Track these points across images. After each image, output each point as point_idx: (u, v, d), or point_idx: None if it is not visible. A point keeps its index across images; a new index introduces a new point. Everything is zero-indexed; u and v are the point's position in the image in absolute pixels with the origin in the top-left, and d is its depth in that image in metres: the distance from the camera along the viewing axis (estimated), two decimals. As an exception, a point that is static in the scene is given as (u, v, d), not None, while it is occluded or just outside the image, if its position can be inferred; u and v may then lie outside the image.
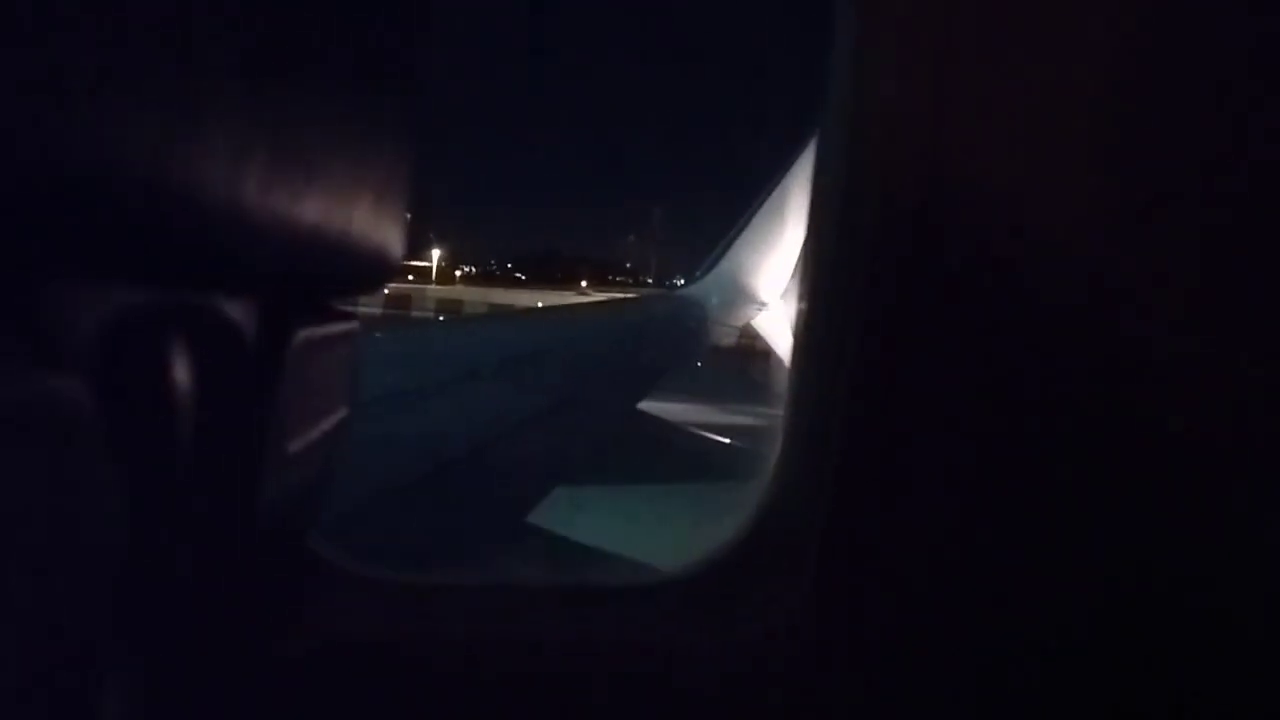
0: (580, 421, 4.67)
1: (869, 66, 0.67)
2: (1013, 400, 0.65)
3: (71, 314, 0.40)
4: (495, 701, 0.70)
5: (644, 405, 6.46)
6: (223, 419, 0.50)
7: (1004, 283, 0.64)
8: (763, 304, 11.64)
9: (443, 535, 2.73)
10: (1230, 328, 0.63)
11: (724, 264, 11.75)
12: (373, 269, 0.59)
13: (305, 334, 0.55)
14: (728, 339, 11.42)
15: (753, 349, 12.20)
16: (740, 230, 11.74)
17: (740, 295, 11.44)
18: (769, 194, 11.34)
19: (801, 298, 0.80)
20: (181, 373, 0.47)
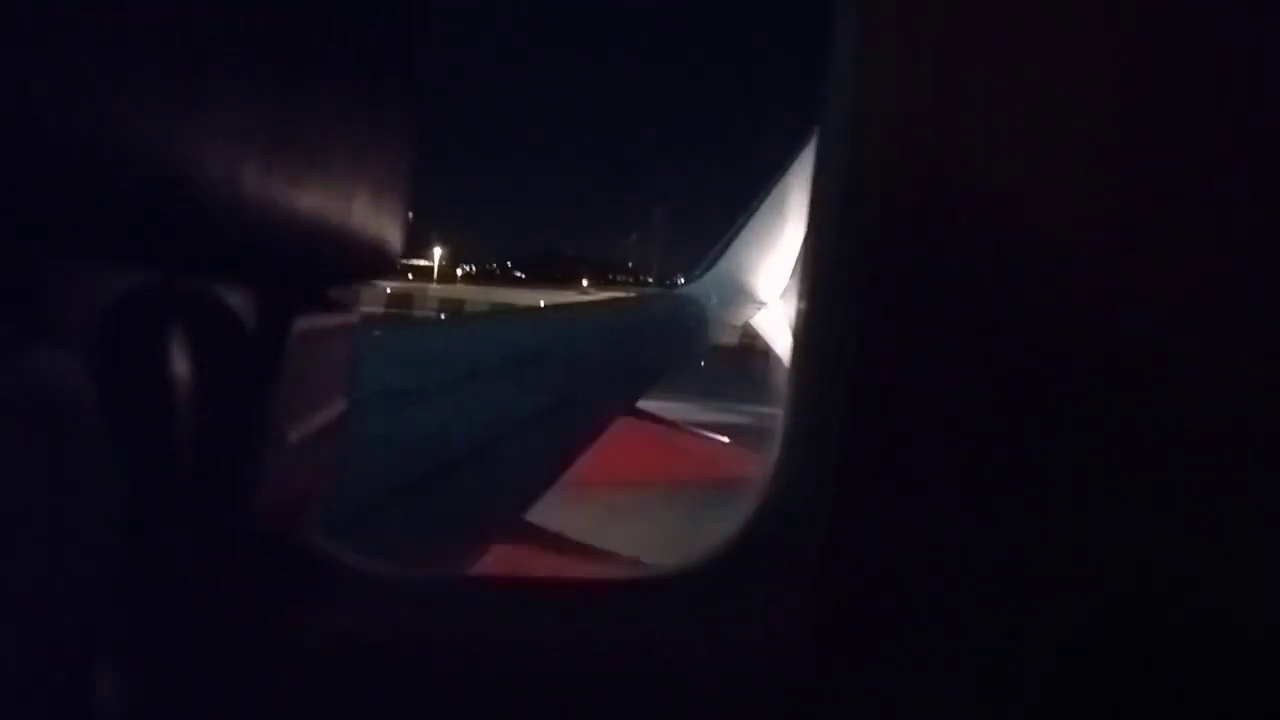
0: (580, 420, 4.68)
1: (869, 66, 0.67)
2: (1013, 400, 0.65)
3: (69, 295, 0.39)
4: (494, 696, 0.70)
5: (643, 405, 6.47)
6: (220, 405, 0.50)
7: (1004, 282, 0.64)
8: (762, 303, 11.65)
9: (444, 533, 2.74)
10: (1231, 328, 0.63)
11: (723, 263, 11.76)
12: (371, 259, 0.59)
13: (303, 323, 0.55)
14: (727, 338, 11.43)
15: (752, 348, 12.21)
16: (739, 229, 11.75)
17: (739, 294, 11.45)
18: (768, 193, 11.35)
19: (801, 296, 0.79)
20: (178, 357, 0.47)
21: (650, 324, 9.28)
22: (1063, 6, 0.63)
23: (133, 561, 0.43)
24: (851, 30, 0.68)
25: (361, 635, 0.71)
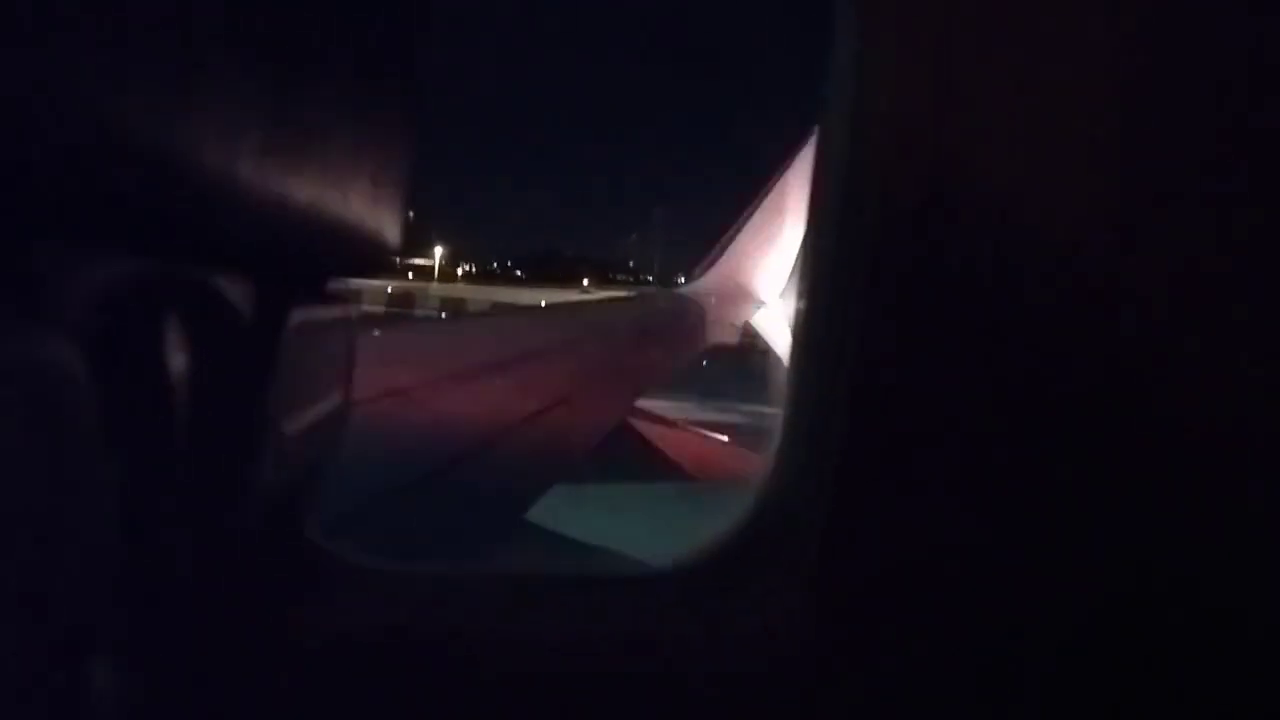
0: (579, 419, 4.67)
1: (869, 66, 0.66)
2: (1012, 398, 0.65)
3: (66, 281, 0.39)
4: (492, 691, 0.70)
5: (641, 403, 6.47)
6: (213, 398, 0.50)
7: (1004, 282, 0.64)
8: (761, 302, 11.64)
9: (444, 531, 2.73)
10: (1231, 327, 0.63)
11: (723, 262, 11.75)
12: (368, 252, 0.59)
13: (300, 315, 0.55)
14: (726, 337, 11.41)
15: (752, 347, 12.20)
16: (739, 228, 11.74)
17: (739, 293, 11.44)
18: (768, 192, 11.34)
19: (800, 295, 0.79)
20: (172, 348, 0.47)
21: (649, 323, 9.27)
22: (1062, 7, 0.63)
23: (129, 556, 0.43)
24: (852, 30, 0.67)
25: (360, 631, 0.70)
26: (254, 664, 0.68)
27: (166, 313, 0.47)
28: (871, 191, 0.66)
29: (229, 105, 0.38)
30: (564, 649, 0.71)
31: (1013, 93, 0.63)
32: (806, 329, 0.77)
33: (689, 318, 9.94)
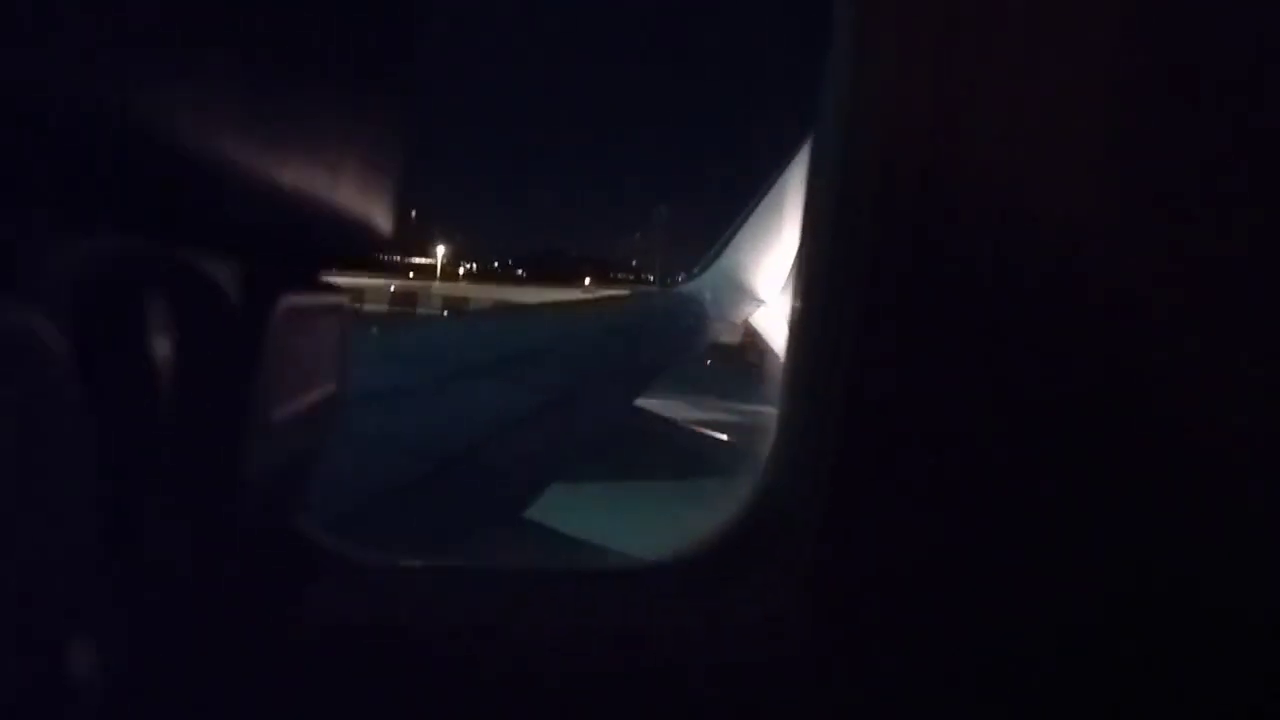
0: (578, 419, 4.68)
1: (866, 64, 0.66)
2: (1009, 398, 0.65)
3: (46, 259, 0.38)
4: (489, 686, 0.69)
5: (641, 402, 6.46)
6: (200, 377, 0.49)
7: (999, 282, 0.64)
8: (761, 301, 11.59)
9: (442, 529, 2.75)
10: (1232, 327, 0.62)
11: (723, 261, 11.71)
12: (360, 239, 0.58)
13: (290, 301, 0.54)
14: (726, 336, 11.39)
15: (752, 346, 12.17)
16: (739, 227, 11.69)
17: (739, 292, 11.40)
18: (768, 190, 11.30)
19: (797, 295, 0.79)
20: (158, 326, 0.46)
21: (649, 323, 9.25)
22: (1061, 7, 0.62)
23: (113, 545, 0.43)
24: (850, 29, 0.67)
25: (355, 625, 0.70)
26: (243, 656, 0.67)
27: (150, 293, 0.46)
28: (867, 191, 0.66)
29: (211, 85, 0.37)
30: (559, 643, 0.71)
31: (1010, 93, 0.63)
32: (802, 327, 0.77)
33: (687, 317, 9.90)
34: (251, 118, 0.41)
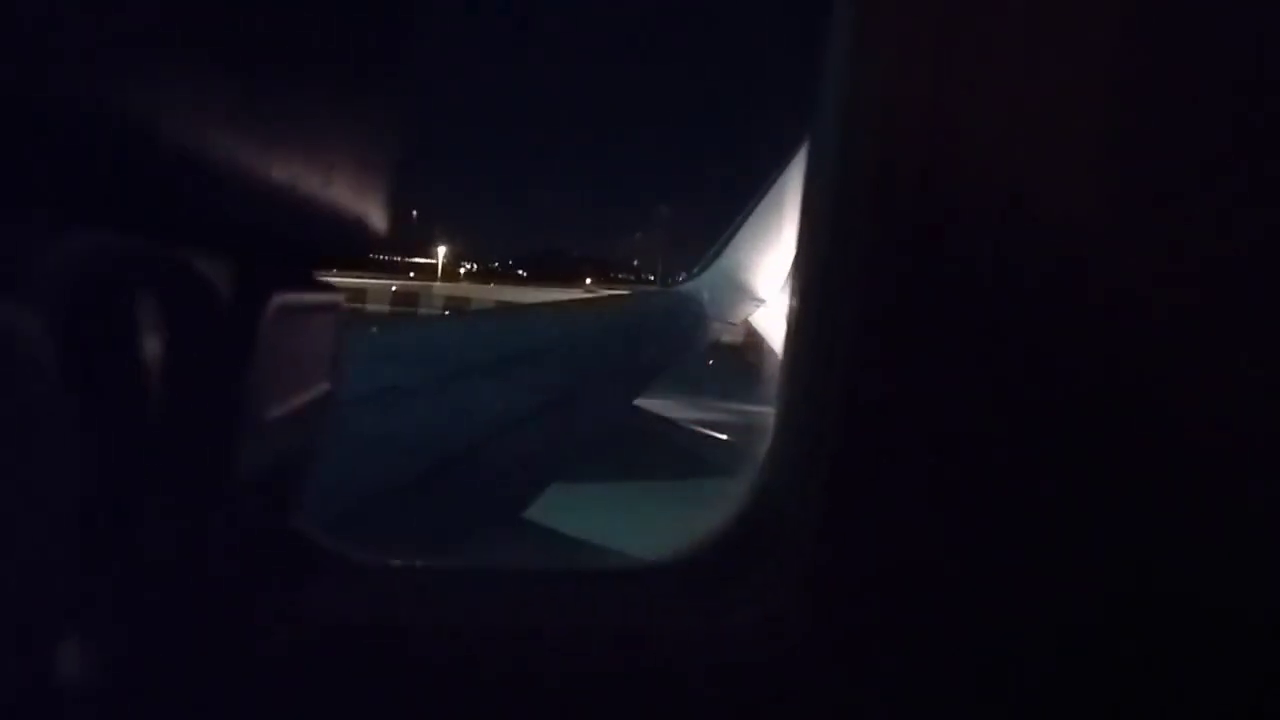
0: (577, 418, 4.68)
1: (863, 63, 0.66)
2: (1007, 398, 0.65)
3: (32, 256, 0.38)
4: (485, 685, 0.69)
5: (640, 402, 6.47)
6: (190, 375, 0.49)
7: (999, 281, 0.64)
8: (761, 300, 11.60)
9: (442, 529, 2.76)
10: (1233, 328, 0.62)
11: (723, 260, 11.71)
12: (353, 238, 0.58)
13: (282, 299, 0.54)
14: (725, 336, 11.39)
15: (752, 346, 12.18)
16: (739, 226, 11.69)
17: (739, 291, 11.40)
18: (768, 190, 11.30)
19: (794, 294, 0.79)
20: (148, 324, 0.46)
21: (648, 321, 9.26)
22: (1059, 7, 0.62)
23: (104, 544, 0.43)
24: (847, 27, 0.67)
25: (353, 625, 0.70)
26: (240, 657, 0.67)
27: (142, 292, 0.46)
28: (864, 190, 0.66)
29: (203, 83, 0.37)
30: (557, 644, 0.71)
31: (1007, 93, 0.63)
32: (799, 327, 0.76)
33: (686, 317, 9.91)
34: (245, 116, 0.41)
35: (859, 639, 0.69)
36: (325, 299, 0.64)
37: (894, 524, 0.67)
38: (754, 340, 12.23)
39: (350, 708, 0.69)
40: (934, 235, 0.64)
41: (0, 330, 0.33)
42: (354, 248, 0.61)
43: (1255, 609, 0.65)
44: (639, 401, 6.41)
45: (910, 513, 0.67)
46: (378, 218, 0.59)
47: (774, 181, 11.19)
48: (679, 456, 7.53)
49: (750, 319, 11.77)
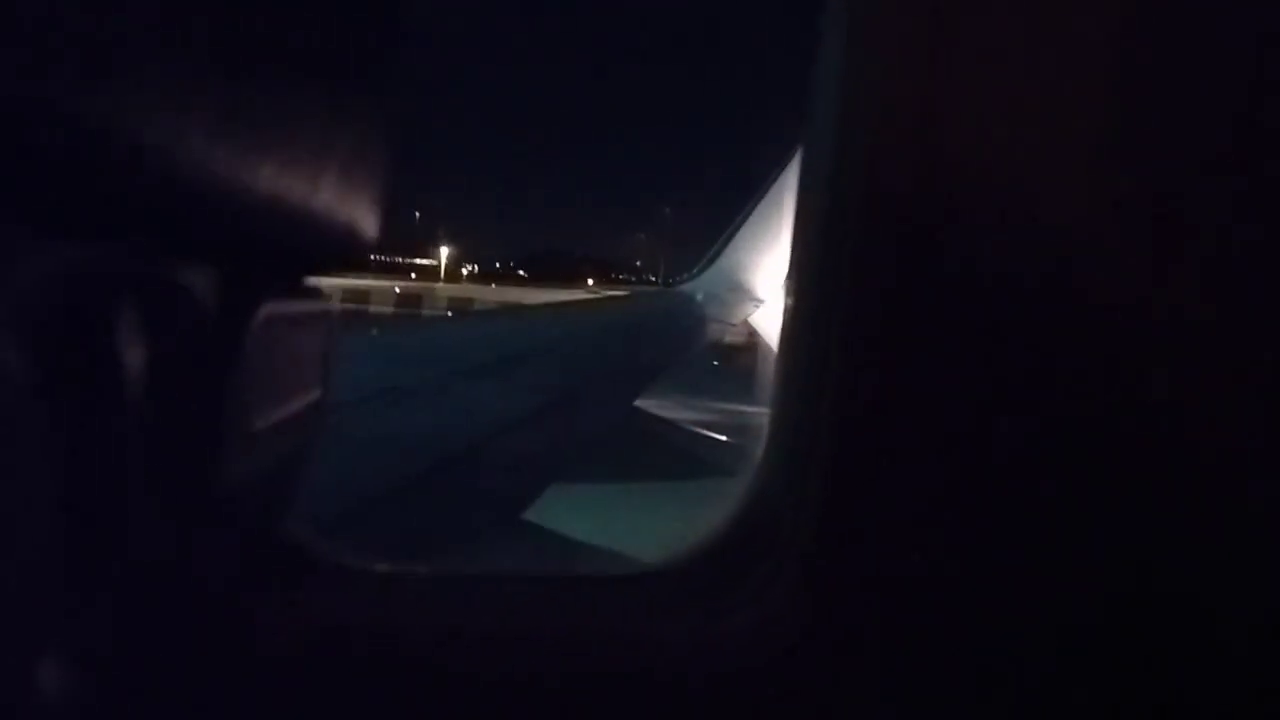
0: (574, 420, 4.69)
1: (857, 63, 0.66)
2: (1003, 398, 0.65)
3: (14, 267, 0.37)
4: (480, 691, 0.69)
5: (640, 403, 6.47)
6: (174, 389, 0.48)
7: (993, 282, 0.64)
8: (760, 300, 11.59)
9: (441, 530, 2.76)
10: (1232, 328, 0.62)
11: (722, 260, 11.71)
12: (342, 245, 0.57)
13: (270, 309, 0.54)
14: (724, 336, 11.39)
15: (751, 346, 12.18)
16: (739, 227, 11.69)
17: (738, 292, 11.40)
18: (767, 190, 11.30)
19: (789, 295, 0.79)
20: (128, 338, 0.45)
21: (648, 321, 9.26)
22: (1055, 9, 0.62)
23: (90, 558, 0.42)
24: (841, 27, 0.67)
25: (349, 632, 0.70)
26: (231, 664, 0.66)
27: (122, 303, 0.45)
28: (857, 191, 0.66)
29: (178, 88, 0.36)
30: (554, 649, 0.71)
31: (1001, 95, 0.63)
32: (794, 328, 0.77)
33: (685, 317, 9.91)
34: (229, 122, 0.40)
35: (857, 640, 0.69)
36: (315, 307, 0.64)
37: (891, 525, 0.67)
38: (755, 340, 12.22)
39: (345, 714, 0.69)
40: (928, 236, 0.64)
41: None
42: (344, 255, 0.60)
43: (1255, 609, 0.65)
44: (639, 402, 6.41)
45: (907, 514, 0.67)
46: (369, 224, 0.58)
47: (773, 182, 11.19)
48: (678, 457, 7.52)
49: (751, 319, 11.76)
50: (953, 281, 0.64)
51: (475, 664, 0.70)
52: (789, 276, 0.81)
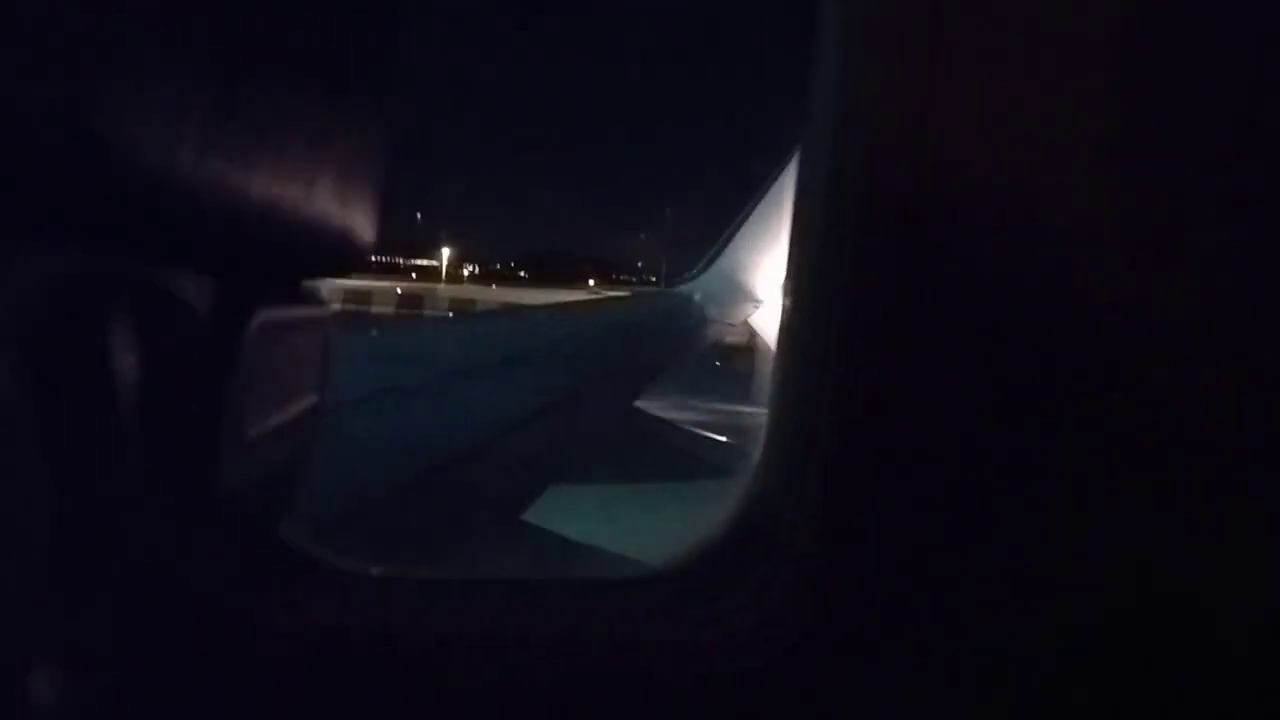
0: (577, 419, 4.69)
1: (854, 64, 0.66)
2: (1001, 398, 0.65)
3: (7, 276, 0.37)
4: (482, 696, 0.69)
5: (640, 404, 6.47)
6: (169, 395, 0.48)
7: (991, 283, 0.64)
8: (759, 301, 11.60)
9: (441, 531, 2.76)
10: (1232, 328, 0.62)
11: (722, 261, 11.72)
12: (338, 250, 0.57)
13: (266, 315, 0.54)
14: (724, 337, 11.40)
15: (750, 346, 12.19)
16: (738, 227, 11.69)
17: (738, 292, 11.41)
18: (767, 190, 11.30)
19: (786, 295, 0.79)
20: (121, 345, 0.45)
21: (649, 321, 9.27)
22: (1052, 11, 0.62)
23: (88, 562, 0.42)
24: (838, 28, 0.68)
25: (345, 635, 0.70)
26: (226, 667, 0.66)
27: (113, 312, 0.45)
28: (854, 192, 0.66)
29: (171, 96, 0.36)
30: (552, 652, 0.71)
31: (997, 98, 0.63)
32: (792, 328, 0.77)
33: (685, 318, 9.92)
34: (223, 128, 0.40)
35: (856, 641, 0.69)
36: (311, 313, 0.64)
37: (890, 526, 0.67)
38: (750, 340, 12.24)
39: (343, 717, 0.69)
40: (926, 237, 0.64)
41: None
42: (341, 260, 0.60)
43: (1255, 609, 0.65)
44: (639, 403, 6.42)
45: (906, 514, 0.67)
46: (366, 228, 0.58)
47: (772, 183, 11.20)
48: (677, 458, 7.52)
49: (750, 320, 11.76)
50: (951, 282, 0.64)
51: (474, 667, 0.70)
52: (787, 277, 0.81)
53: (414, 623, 0.72)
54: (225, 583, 0.64)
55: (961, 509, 0.66)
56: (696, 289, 11.35)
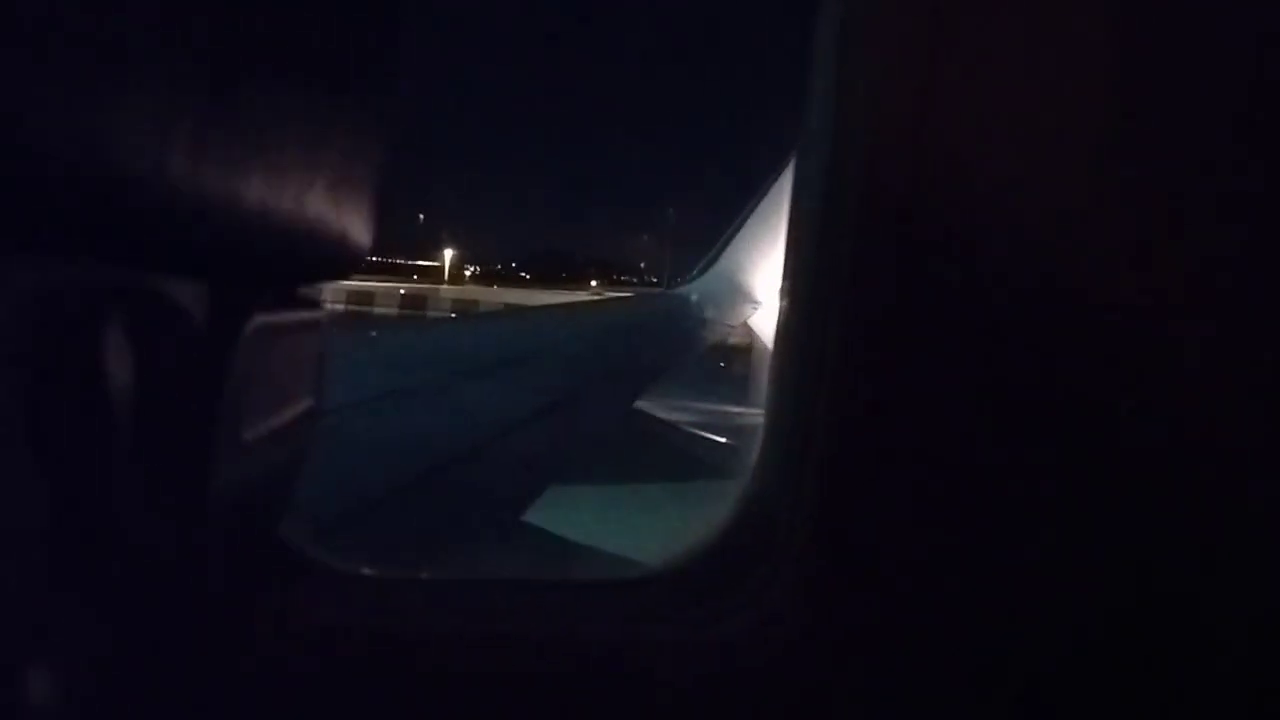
0: (577, 419, 4.69)
1: (852, 66, 0.66)
2: (998, 399, 0.65)
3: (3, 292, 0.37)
4: (482, 696, 0.69)
5: (640, 404, 6.47)
6: (164, 402, 0.48)
7: (987, 285, 0.64)
8: (758, 302, 11.59)
9: (441, 532, 2.76)
10: (1232, 328, 0.62)
11: (722, 262, 11.72)
12: (334, 255, 0.57)
13: (260, 320, 0.53)
14: (726, 338, 11.40)
15: (749, 347, 12.19)
16: (738, 228, 11.69)
17: (737, 293, 11.40)
18: (766, 192, 11.29)
19: (784, 297, 0.79)
20: (115, 353, 0.44)
21: (649, 322, 9.28)
22: (1048, 11, 0.62)
23: (86, 559, 0.42)
24: (835, 30, 0.68)
25: (343, 637, 0.69)
26: (232, 669, 0.66)
27: (109, 317, 0.45)
28: (851, 194, 0.66)
29: (160, 101, 0.36)
30: (551, 653, 0.71)
31: (994, 101, 0.63)
32: (789, 330, 0.77)
33: (685, 319, 9.92)
34: (216, 132, 0.40)
35: (855, 641, 0.69)
36: (307, 317, 0.64)
37: (887, 526, 0.67)
38: (750, 341, 12.23)
39: (341, 718, 0.68)
40: (924, 237, 0.64)
41: None
42: (337, 265, 0.60)
43: (1255, 609, 0.65)
44: (639, 404, 6.42)
45: (903, 515, 0.67)
46: (363, 232, 0.58)
47: (772, 184, 11.18)
48: (677, 458, 7.53)
49: (749, 321, 11.76)
50: (949, 283, 0.64)
51: (473, 668, 0.70)
52: (785, 278, 0.81)
53: (413, 623, 0.72)
54: (225, 584, 0.63)
55: (959, 509, 0.66)
56: (694, 290, 11.35)
